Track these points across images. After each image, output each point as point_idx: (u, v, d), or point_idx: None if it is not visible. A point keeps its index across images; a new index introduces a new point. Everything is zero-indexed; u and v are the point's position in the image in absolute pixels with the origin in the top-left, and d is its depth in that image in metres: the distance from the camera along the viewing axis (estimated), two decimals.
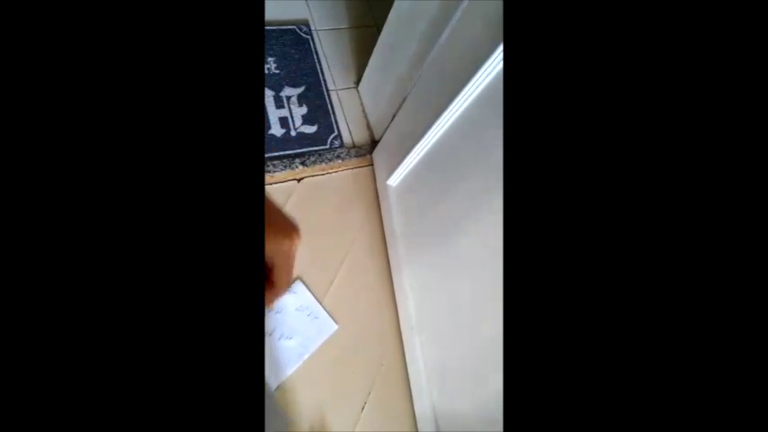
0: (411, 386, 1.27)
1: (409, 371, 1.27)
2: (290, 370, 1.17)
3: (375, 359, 1.28)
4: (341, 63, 1.57)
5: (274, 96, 1.43)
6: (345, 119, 1.50)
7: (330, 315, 1.25)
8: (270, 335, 1.18)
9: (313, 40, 1.56)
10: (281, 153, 1.38)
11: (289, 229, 0.37)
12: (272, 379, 1.15)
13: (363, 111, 1.53)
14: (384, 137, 1.38)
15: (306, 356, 1.19)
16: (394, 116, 1.30)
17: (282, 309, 1.21)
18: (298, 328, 1.21)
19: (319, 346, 1.22)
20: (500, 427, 0.90)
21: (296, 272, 1.29)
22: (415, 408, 1.25)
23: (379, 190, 1.42)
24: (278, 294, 0.40)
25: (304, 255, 1.30)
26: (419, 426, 1.24)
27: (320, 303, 1.25)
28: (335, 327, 1.24)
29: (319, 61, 1.53)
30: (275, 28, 1.51)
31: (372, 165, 1.45)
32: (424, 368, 1.21)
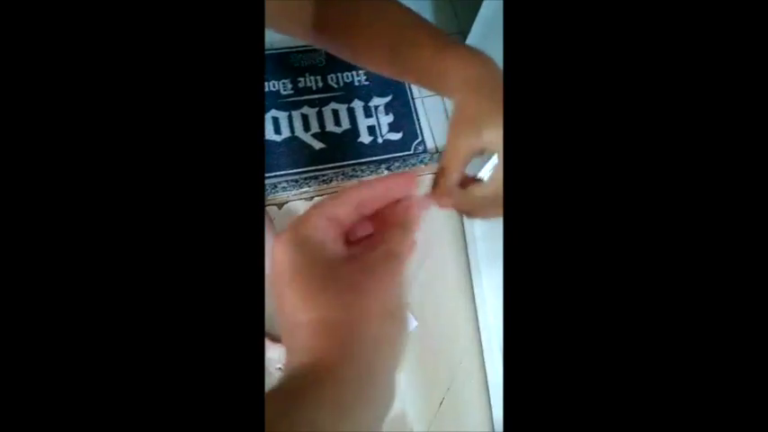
0: (489, 385, 1.29)
1: (487, 370, 1.30)
2: None
3: (454, 357, 1.32)
4: None
5: (363, 106, 1.53)
6: (429, 125, 1.56)
7: (410, 312, 1.32)
8: None
9: None
10: (369, 159, 1.48)
11: None
12: None
13: (447, 117, 1.58)
14: None
15: None
16: None
17: None
18: None
19: None
20: None
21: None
22: (493, 407, 1.27)
23: None
24: None
25: None
26: (495, 425, 1.26)
27: None
28: (415, 323, 1.31)
29: None
30: None
31: None
32: (503, 368, 1.23)
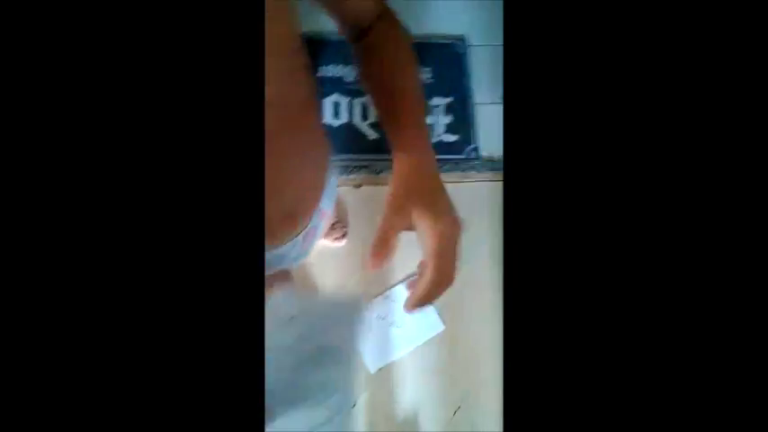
0: None
1: None
2: (393, 357, 1.27)
3: (475, 366, 1.31)
4: (491, 78, 1.61)
5: None
6: (486, 132, 1.54)
7: (439, 315, 1.31)
8: (383, 318, 1.29)
9: (467, 54, 1.62)
10: None
11: (455, 216, 0.38)
12: (376, 360, 1.25)
13: None
14: None
15: (411, 348, 1.27)
16: None
17: (397, 298, 1.31)
18: (407, 320, 1.30)
19: (424, 342, 1.29)
20: None
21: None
22: None
23: None
24: (444, 285, 0.37)
25: None
26: None
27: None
28: (442, 327, 1.30)
29: (470, 75, 1.60)
30: (433, 42, 1.61)
31: None
32: None
